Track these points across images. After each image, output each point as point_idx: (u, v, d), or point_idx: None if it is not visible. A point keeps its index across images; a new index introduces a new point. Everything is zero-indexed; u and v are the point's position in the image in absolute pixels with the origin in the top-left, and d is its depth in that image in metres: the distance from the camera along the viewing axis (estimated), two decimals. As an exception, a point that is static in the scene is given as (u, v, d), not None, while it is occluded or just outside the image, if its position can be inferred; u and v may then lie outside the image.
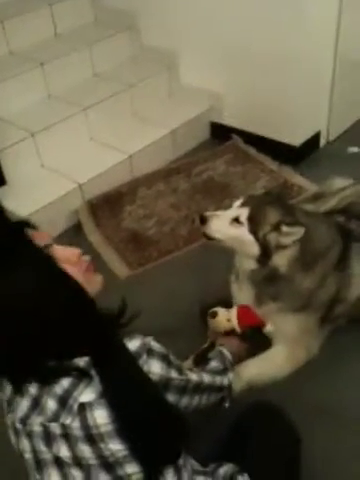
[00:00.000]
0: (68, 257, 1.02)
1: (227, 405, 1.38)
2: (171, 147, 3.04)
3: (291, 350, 1.77)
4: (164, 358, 1.06)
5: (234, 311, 1.74)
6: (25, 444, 1.03)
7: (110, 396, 0.95)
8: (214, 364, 1.40)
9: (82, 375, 0.96)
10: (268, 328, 1.76)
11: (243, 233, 1.61)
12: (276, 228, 1.58)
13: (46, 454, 1.01)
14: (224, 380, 1.35)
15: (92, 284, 1.06)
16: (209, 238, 1.70)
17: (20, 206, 2.45)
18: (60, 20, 3.24)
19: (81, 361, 0.97)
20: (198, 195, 2.77)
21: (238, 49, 2.82)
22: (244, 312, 1.73)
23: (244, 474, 1.24)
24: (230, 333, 1.71)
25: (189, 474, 1.14)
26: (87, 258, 1.08)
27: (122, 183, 2.85)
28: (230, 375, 1.40)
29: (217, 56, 2.96)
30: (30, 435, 1.01)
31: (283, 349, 1.77)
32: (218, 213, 1.69)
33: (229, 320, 1.72)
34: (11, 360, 0.95)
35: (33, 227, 1.00)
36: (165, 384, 1.06)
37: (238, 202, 1.68)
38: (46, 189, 2.63)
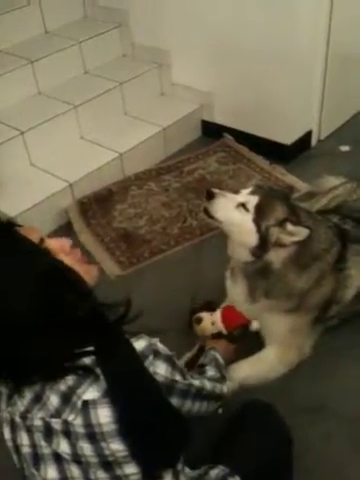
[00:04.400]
0: (62, 247, 1.03)
1: (221, 411, 1.37)
2: (162, 146, 3.03)
3: (283, 351, 1.76)
4: (169, 360, 1.06)
5: (218, 314, 1.73)
6: (24, 438, 1.03)
7: (114, 395, 0.95)
8: (211, 372, 1.38)
9: (87, 373, 0.95)
10: (254, 326, 1.75)
11: (247, 220, 1.58)
12: (281, 224, 1.56)
13: (45, 449, 1.01)
14: (223, 388, 1.35)
15: (89, 274, 1.06)
16: (209, 216, 1.66)
17: (9, 205, 2.43)
18: (50, 17, 3.20)
19: (87, 359, 0.96)
20: (190, 194, 2.76)
21: (229, 47, 2.81)
22: (228, 313, 1.73)
23: (236, 476, 1.23)
24: (217, 336, 1.70)
25: (186, 479, 1.13)
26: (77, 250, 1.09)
27: (113, 182, 2.83)
28: (228, 383, 1.39)
29: (208, 54, 2.95)
30: (30, 430, 1.01)
31: (275, 350, 1.76)
32: (226, 194, 1.64)
33: (214, 323, 1.71)
34: (13, 360, 0.94)
35: (18, 225, 1.00)
36: (169, 387, 1.06)
37: (247, 190, 1.65)
38: (36, 188, 2.60)
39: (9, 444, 1.08)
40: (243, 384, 1.69)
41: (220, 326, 1.70)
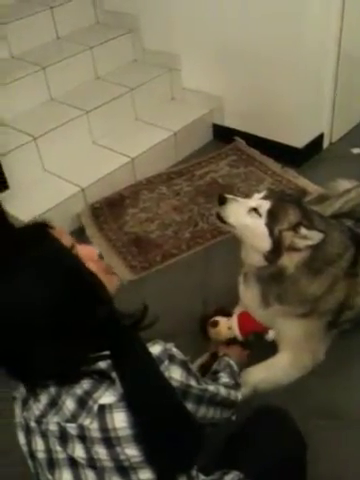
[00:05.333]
0: (90, 255, 1.05)
1: (234, 418, 1.37)
2: (173, 150, 3.03)
3: (296, 355, 1.75)
4: (184, 365, 1.06)
5: (234, 319, 1.72)
6: (39, 443, 1.03)
7: (130, 399, 0.95)
8: (226, 379, 1.38)
9: (103, 377, 0.96)
10: (270, 335, 1.75)
11: (259, 225, 1.57)
12: (294, 228, 1.56)
13: (60, 454, 1.01)
14: (238, 395, 1.34)
15: (111, 284, 1.08)
16: (222, 221, 1.66)
17: (22, 210, 2.45)
18: (61, 23, 3.23)
19: (103, 363, 0.97)
20: (201, 198, 2.76)
21: (239, 51, 2.81)
22: (245, 319, 1.72)
23: (250, 482, 1.22)
24: (231, 341, 1.69)
25: None
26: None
27: (124, 186, 2.84)
28: (242, 389, 1.39)
29: (219, 58, 2.95)
30: (45, 434, 1.01)
31: (288, 354, 1.75)
32: (238, 199, 1.65)
33: (230, 328, 1.71)
34: (28, 361, 0.95)
35: (51, 227, 1.02)
36: (184, 392, 1.06)
37: (259, 194, 1.65)
38: (48, 193, 2.62)
39: (24, 449, 1.09)
40: (256, 389, 1.68)
41: (236, 332, 1.70)
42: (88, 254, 1.05)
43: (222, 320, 1.74)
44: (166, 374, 1.01)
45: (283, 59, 2.65)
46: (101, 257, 1.11)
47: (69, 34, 3.27)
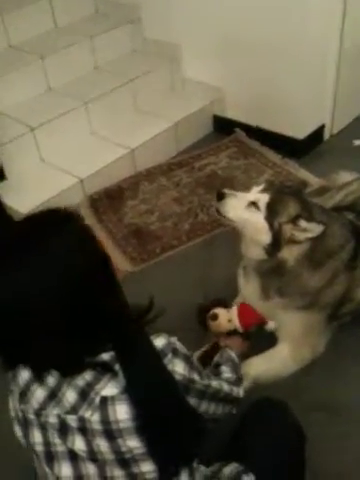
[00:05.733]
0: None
1: (235, 411, 1.36)
2: (173, 141, 3.01)
3: (296, 348, 1.74)
4: (187, 359, 1.06)
5: (234, 311, 1.71)
6: (37, 436, 1.03)
7: (133, 392, 0.95)
8: (228, 375, 1.37)
9: (106, 369, 0.95)
10: (270, 326, 1.74)
11: (258, 219, 1.57)
12: (293, 221, 1.55)
13: (60, 447, 1.01)
14: (240, 391, 1.33)
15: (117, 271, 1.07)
16: (222, 216, 1.65)
17: (20, 202, 2.44)
18: (60, 12, 3.19)
19: (106, 355, 0.96)
20: (201, 189, 2.74)
21: (240, 41, 2.78)
22: (244, 310, 1.71)
23: (249, 473, 1.22)
24: (232, 333, 1.68)
25: (201, 476, 1.13)
26: None
27: (124, 178, 2.82)
28: (244, 385, 1.37)
29: (220, 49, 2.92)
30: (44, 427, 1.01)
31: (288, 347, 1.74)
32: (237, 193, 1.64)
33: (230, 320, 1.70)
34: (38, 347, 0.94)
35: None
36: (186, 386, 1.05)
37: (258, 187, 1.64)
38: (47, 184, 2.60)
39: (22, 441, 1.08)
40: (256, 381, 1.68)
41: (237, 324, 1.69)
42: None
43: (221, 312, 1.72)
44: (169, 367, 1.00)
45: (285, 50, 2.63)
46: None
47: (68, 23, 3.24)
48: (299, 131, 2.86)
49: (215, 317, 1.73)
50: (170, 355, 1.01)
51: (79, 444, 0.98)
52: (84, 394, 0.95)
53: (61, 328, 0.93)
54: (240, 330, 1.68)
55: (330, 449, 1.58)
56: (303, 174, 2.75)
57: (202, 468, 1.17)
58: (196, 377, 1.07)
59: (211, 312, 1.75)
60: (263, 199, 1.58)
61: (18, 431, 1.08)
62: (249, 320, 1.69)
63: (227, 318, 1.71)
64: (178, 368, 1.02)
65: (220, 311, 1.74)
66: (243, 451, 1.28)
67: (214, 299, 1.86)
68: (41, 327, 0.92)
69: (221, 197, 1.63)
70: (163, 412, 0.99)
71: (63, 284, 0.91)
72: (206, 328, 1.80)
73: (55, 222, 0.98)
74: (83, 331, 0.95)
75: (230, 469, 1.23)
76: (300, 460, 1.34)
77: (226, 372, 1.37)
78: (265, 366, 1.72)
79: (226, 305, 1.80)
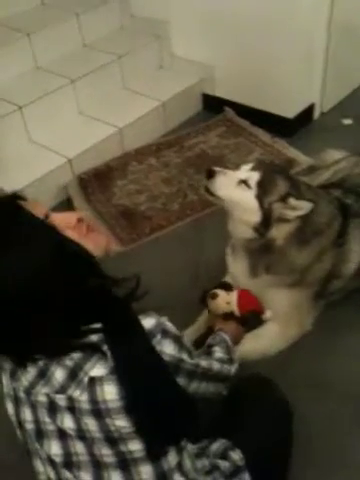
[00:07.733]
0: (67, 223, 1.03)
1: (225, 393, 1.37)
2: (162, 120, 2.98)
3: (284, 325, 1.75)
4: (177, 340, 1.06)
5: (234, 294, 1.71)
6: (27, 414, 1.04)
7: (121, 373, 0.95)
8: (220, 354, 1.37)
9: (94, 350, 0.95)
10: (268, 315, 1.75)
11: (248, 197, 1.56)
12: (283, 199, 1.54)
13: (49, 425, 1.01)
14: (231, 369, 1.34)
15: (97, 245, 1.07)
16: (211, 194, 1.63)
17: (8, 181, 2.40)
18: (46, -12, 3.13)
19: (95, 336, 0.96)
20: (190, 169, 2.73)
21: (229, 17, 2.75)
22: (244, 296, 1.71)
23: (236, 449, 1.23)
24: (228, 316, 1.69)
25: (189, 455, 1.14)
26: (86, 219, 1.10)
27: (112, 157, 2.80)
28: (236, 365, 1.38)
29: (209, 26, 2.88)
30: (34, 405, 1.01)
31: (276, 325, 1.76)
32: (227, 171, 1.62)
33: (229, 303, 1.70)
34: (18, 334, 0.94)
35: (23, 199, 0.99)
36: (175, 366, 1.06)
37: (248, 166, 1.63)
38: (35, 164, 2.57)
39: (13, 419, 1.09)
40: (243, 358, 1.69)
41: (234, 307, 1.69)
42: (64, 221, 1.03)
43: (222, 293, 1.73)
44: (157, 348, 1.00)
45: (274, 28, 2.60)
46: (80, 220, 1.08)
47: (54, 0, 3.16)
48: (289, 110, 2.85)
49: (214, 296, 1.73)
50: (159, 336, 1.01)
51: (68, 422, 0.99)
52: (73, 374, 0.95)
53: (41, 311, 0.92)
54: (237, 313, 1.68)
55: (318, 426, 1.59)
56: (293, 153, 2.75)
57: (190, 447, 1.18)
58: (185, 357, 1.08)
59: (212, 291, 1.75)
60: (254, 177, 1.57)
61: (10, 409, 1.08)
62: (247, 305, 1.69)
63: (226, 300, 1.71)
64: (166, 349, 1.02)
65: (221, 292, 1.74)
66: (230, 427, 1.30)
67: (220, 282, 1.86)
68: (21, 313, 0.92)
69: (211, 175, 1.61)
70: (151, 393, 0.99)
71: (33, 273, 0.90)
72: (205, 306, 1.80)
73: (3, 214, 0.94)
74: (65, 312, 0.95)
75: (217, 445, 1.24)
76: (287, 436, 1.36)
77: (218, 351, 1.38)
78: (252, 344, 1.73)
79: (231, 289, 1.81)
